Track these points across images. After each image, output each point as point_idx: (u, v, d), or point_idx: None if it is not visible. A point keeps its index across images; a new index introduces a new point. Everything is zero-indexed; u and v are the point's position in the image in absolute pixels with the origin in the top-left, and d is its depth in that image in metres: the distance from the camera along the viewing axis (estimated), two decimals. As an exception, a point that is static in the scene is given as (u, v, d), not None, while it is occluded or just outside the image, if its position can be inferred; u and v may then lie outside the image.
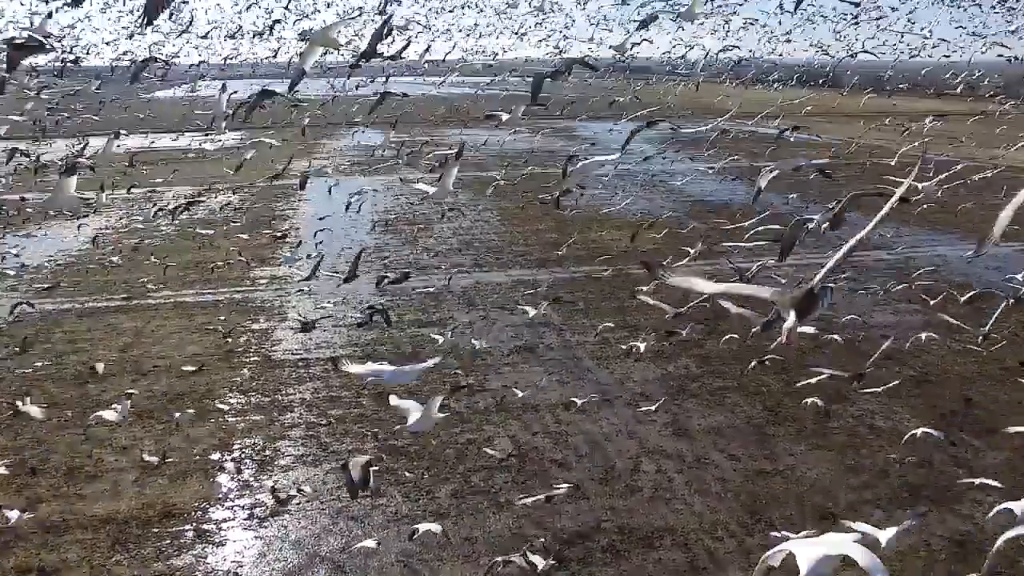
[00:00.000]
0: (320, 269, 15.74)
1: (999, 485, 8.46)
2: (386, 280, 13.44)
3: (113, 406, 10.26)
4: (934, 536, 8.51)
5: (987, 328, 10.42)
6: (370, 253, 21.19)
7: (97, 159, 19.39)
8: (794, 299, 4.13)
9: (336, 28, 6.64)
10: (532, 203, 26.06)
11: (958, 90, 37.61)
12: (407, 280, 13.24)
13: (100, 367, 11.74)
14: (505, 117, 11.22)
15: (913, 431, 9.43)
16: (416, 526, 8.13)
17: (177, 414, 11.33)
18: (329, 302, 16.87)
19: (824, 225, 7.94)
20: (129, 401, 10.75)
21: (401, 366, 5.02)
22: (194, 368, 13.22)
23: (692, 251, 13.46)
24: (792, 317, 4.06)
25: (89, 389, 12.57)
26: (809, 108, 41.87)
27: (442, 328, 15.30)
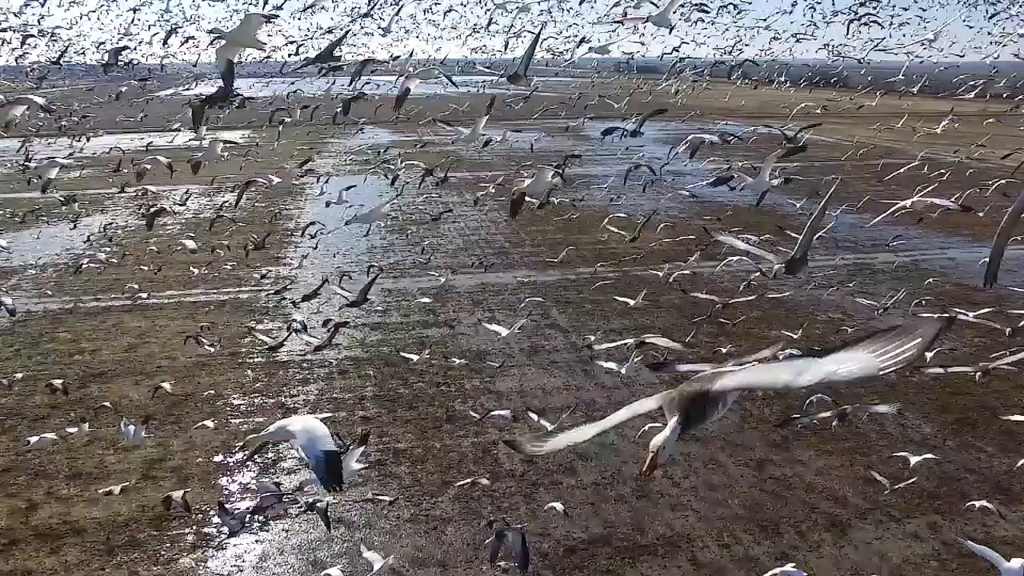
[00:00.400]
0: (288, 289, 15.67)
1: (994, 508, 8.35)
2: (347, 304, 12.13)
3: (67, 429, 9.85)
4: (945, 545, 8.36)
5: (989, 366, 9.98)
6: (376, 254, 21.12)
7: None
8: (683, 400, 2.99)
9: (253, 26, 6.18)
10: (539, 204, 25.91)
11: (973, 93, 37.11)
12: (365, 302, 12.09)
13: (58, 383, 11.16)
14: (465, 132, 10.11)
15: (907, 455, 9.11)
16: (364, 554, 7.57)
17: (130, 427, 9.86)
18: (337, 305, 16.82)
19: (778, 267, 6.86)
20: (87, 424, 10.47)
21: (313, 430, 4.47)
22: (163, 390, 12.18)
23: (691, 259, 13.08)
24: (672, 427, 2.93)
25: (91, 390, 12.52)
26: (820, 109, 41.50)
27: (450, 328, 15.24)
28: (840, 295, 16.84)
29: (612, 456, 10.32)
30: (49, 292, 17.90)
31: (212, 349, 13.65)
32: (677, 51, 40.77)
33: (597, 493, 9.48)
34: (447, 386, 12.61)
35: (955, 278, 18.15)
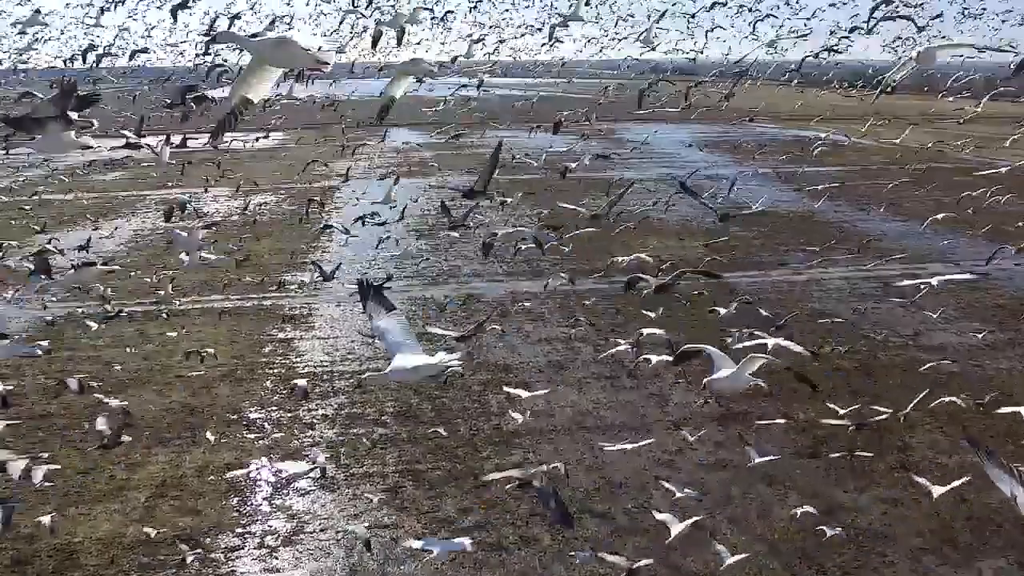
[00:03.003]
0: None
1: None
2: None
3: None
4: (1010, 596, 7.62)
5: None
6: (403, 260, 20.73)
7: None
8: None
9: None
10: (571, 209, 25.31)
11: None
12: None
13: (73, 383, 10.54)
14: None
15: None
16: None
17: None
18: (359, 309, 16.42)
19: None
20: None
21: None
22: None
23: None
24: None
25: (109, 401, 12.22)
26: (875, 113, 40.01)
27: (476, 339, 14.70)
28: (885, 309, 16.03)
29: (641, 483, 9.72)
30: (75, 297, 17.74)
31: (205, 369, 13.28)
32: (700, 53, 39.98)
33: (624, 524, 8.89)
34: (470, 401, 12.12)
35: (1011, 291, 17.18)
